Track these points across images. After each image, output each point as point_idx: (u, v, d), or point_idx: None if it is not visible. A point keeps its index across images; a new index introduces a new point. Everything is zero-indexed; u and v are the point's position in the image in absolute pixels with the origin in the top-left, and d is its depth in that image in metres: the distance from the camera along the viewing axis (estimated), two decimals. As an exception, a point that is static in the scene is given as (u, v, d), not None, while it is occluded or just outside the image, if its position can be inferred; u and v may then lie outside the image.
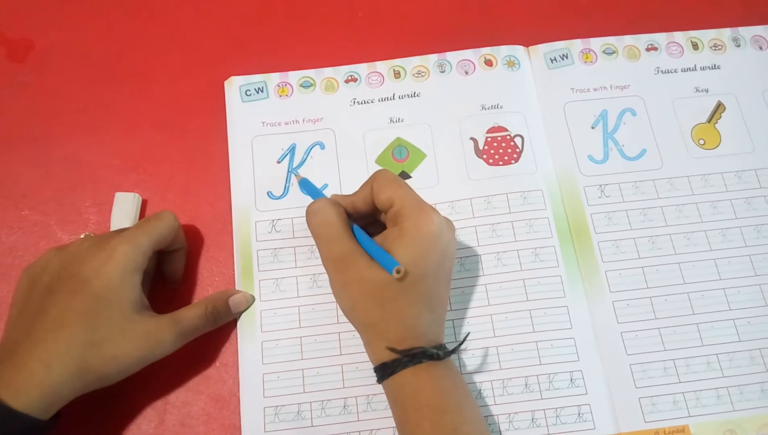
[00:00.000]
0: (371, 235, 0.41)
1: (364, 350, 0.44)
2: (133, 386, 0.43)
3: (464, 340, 0.42)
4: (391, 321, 0.39)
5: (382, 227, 0.43)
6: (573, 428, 0.43)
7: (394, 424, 0.42)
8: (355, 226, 0.41)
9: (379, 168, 0.49)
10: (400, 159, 0.50)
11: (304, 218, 0.47)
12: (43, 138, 0.51)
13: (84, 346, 0.37)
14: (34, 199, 0.49)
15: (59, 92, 0.53)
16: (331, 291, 0.46)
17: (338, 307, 0.45)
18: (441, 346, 0.39)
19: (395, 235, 0.39)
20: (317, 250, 0.42)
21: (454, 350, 0.40)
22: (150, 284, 0.45)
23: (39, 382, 0.35)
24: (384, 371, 0.38)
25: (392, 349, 0.38)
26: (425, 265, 0.38)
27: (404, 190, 0.40)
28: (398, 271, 0.37)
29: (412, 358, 0.38)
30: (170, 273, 0.45)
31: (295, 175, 0.49)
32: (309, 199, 0.48)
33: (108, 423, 0.43)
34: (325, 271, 0.42)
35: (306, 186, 0.46)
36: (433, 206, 0.40)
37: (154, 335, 0.39)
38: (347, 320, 0.45)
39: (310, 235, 0.47)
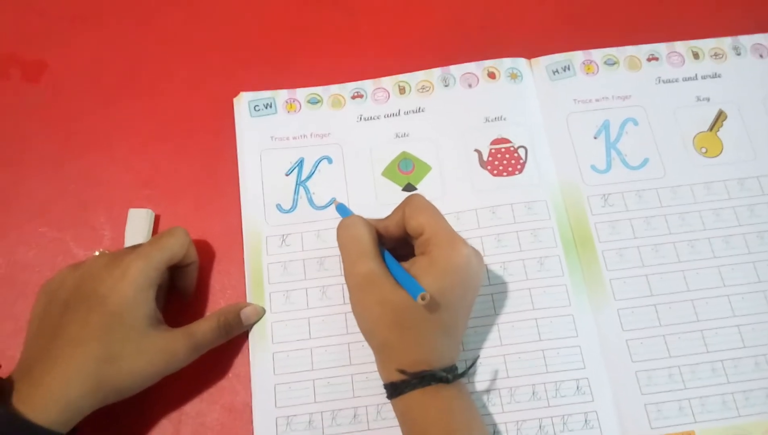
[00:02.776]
0: (399, 257, 0.41)
1: (373, 360, 0.45)
2: (149, 398, 0.43)
3: (473, 364, 0.43)
4: (407, 345, 0.39)
5: (410, 249, 0.43)
6: (580, 435, 0.43)
7: None
8: (385, 251, 0.42)
9: (386, 180, 0.51)
10: (406, 171, 0.51)
11: (312, 232, 0.49)
12: (58, 156, 0.52)
13: (101, 362, 0.38)
14: (50, 216, 0.50)
15: (72, 111, 0.54)
16: (340, 302, 0.47)
17: (349, 318, 0.46)
18: (452, 368, 0.40)
19: (424, 264, 0.39)
20: (341, 264, 0.43)
21: (463, 374, 0.40)
22: (164, 299, 0.46)
23: (57, 398, 0.36)
24: (393, 390, 0.39)
25: (403, 371, 0.38)
26: (451, 296, 0.39)
27: (436, 218, 0.40)
28: (423, 298, 0.37)
29: (421, 381, 0.38)
30: (183, 287, 0.47)
31: (335, 200, 0.49)
32: (316, 213, 0.50)
33: (123, 433, 0.44)
34: (337, 283, 0.42)
35: (342, 210, 0.46)
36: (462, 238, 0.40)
37: (168, 349, 0.40)
38: (357, 331, 0.46)
39: (318, 247, 0.49)
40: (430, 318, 0.39)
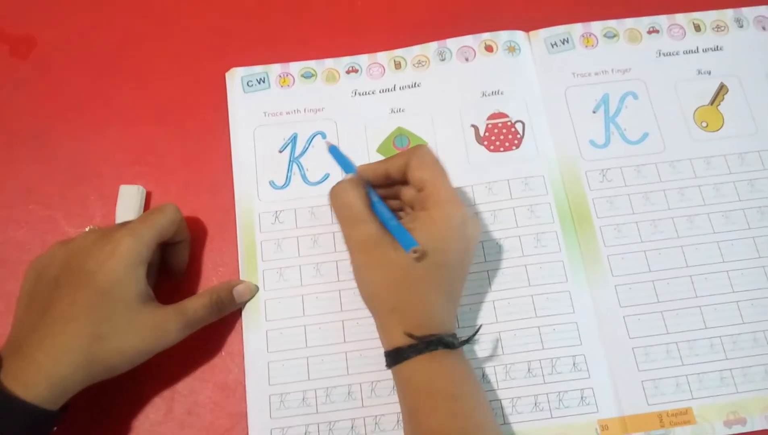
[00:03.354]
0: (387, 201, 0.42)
1: (367, 338, 0.45)
2: (141, 376, 0.43)
3: (478, 330, 0.43)
4: (412, 307, 0.39)
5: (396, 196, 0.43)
6: (576, 412, 0.43)
7: (399, 410, 0.43)
8: (378, 200, 0.41)
9: (381, 157, 0.50)
10: (401, 147, 0.50)
11: (306, 209, 0.48)
12: (47, 133, 0.52)
13: (90, 339, 0.37)
14: (40, 194, 0.50)
15: (62, 88, 0.53)
16: (334, 280, 0.46)
17: (343, 295, 0.46)
18: (454, 335, 0.40)
19: (424, 220, 0.39)
20: (335, 241, 0.44)
21: (468, 340, 0.40)
22: (155, 276, 0.45)
23: (47, 375, 0.36)
24: (397, 356, 0.39)
25: (410, 335, 0.38)
26: (450, 255, 0.39)
27: (442, 176, 0.40)
28: (415, 251, 0.37)
29: (428, 345, 0.38)
30: (174, 264, 0.46)
31: (325, 141, 0.48)
32: (310, 189, 0.49)
33: (116, 412, 0.44)
34: (331, 260, 0.42)
35: (335, 153, 0.45)
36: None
37: (159, 326, 0.40)
38: (351, 308, 0.46)
39: (312, 224, 0.48)
40: (432, 276, 0.39)
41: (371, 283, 0.40)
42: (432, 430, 0.37)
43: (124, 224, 0.42)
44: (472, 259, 0.42)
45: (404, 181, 0.42)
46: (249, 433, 0.43)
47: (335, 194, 0.41)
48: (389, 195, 0.43)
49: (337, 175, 0.49)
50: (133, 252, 0.39)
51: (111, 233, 0.40)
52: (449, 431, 0.36)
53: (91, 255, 0.39)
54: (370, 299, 0.41)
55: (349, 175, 0.43)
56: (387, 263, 0.39)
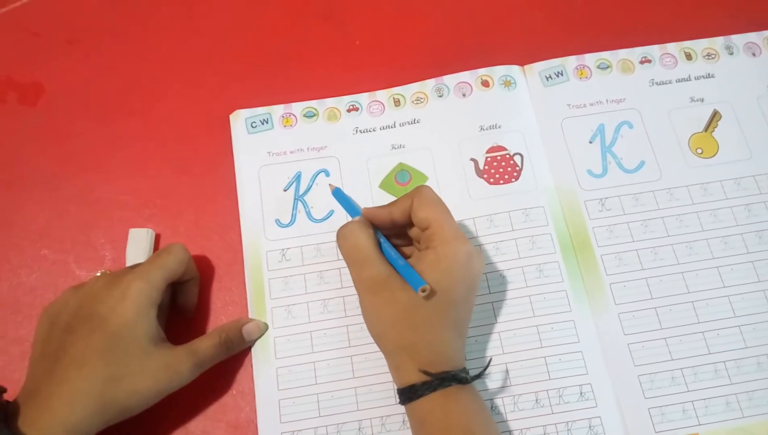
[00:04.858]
0: (395, 245, 0.43)
1: (376, 372, 0.45)
2: (153, 417, 0.44)
3: (489, 364, 0.44)
4: (423, 344, 0.40)
5: (406, 238, 0.44)
6: (584, 441, 0.43)
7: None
8: (384, 240, 0.42)
9: (383, 193, 0.51)
10: (403, 183, 0.51)
11: (312, 246, 0.49)
12: (56, 178, 0.53)
13: (104, 383, 0.38)
14: (51, 239, 0.51)
15: (69, 132, 0.54)
16: (341, 315, 0.47)
17: (351, 330, 0.47)
18: (465, 370, 0.40)
19: (431, 259, 0.40)
20: (341, 277, 0.45)
21: (480, 375, 0.41)
22: (166, 316, 0.46)
23: (62, 421, 0.36)
24: (411, 394, 0.39)
25: (425, 372, 0.38)
26: (457, 291, 0.40)
27: (445, 215, 0.41)
28: (423, 290, 0.38)
29: (442, 382, 0.38)
30: (184, 303, 0.47)
31: (329, 184, 0.49)
32: (315, 226, 0.50)
33: (131, 455, 0.44)
34: (338, 296, 0.42)
35: (339, 196, 0.47)
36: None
37: (172, 367, 0.40)
38: (359, 344, 0.46)
39: (318, 261, 0.49)
40: (441, 314, 0.39)
41: (381, 322, 0.41)
42: None
43: (134, 267, 0.43)
44: (476, 292, 0.43)
45: (409, 224, 0.43)
46: (262, 471, 0.44)
47: (343, 236, 0.42)
48: (393, 233, 0.45)
49: (342, 212, 0.50)
50: (144, 295, 0.40)
51: (121, 277, 0.41)
52: None
53: (102, 300, 0.40)
54: (380, 338, 0.42)
55: (356, 217, 0.44)
56: (396, 303, 0.39)
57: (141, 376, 0.39)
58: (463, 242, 0.40)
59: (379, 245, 0.42)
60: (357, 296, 0.43)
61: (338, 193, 0.46)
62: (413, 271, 0.40)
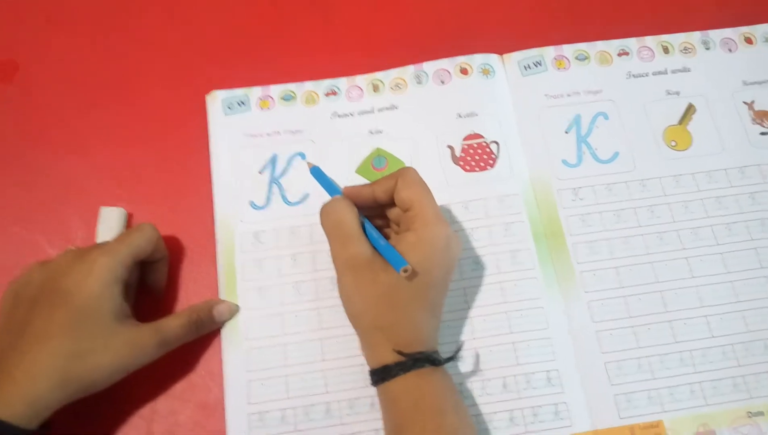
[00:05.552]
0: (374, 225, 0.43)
1: (346, 355, 0.46)
2: (120, 396, 0.44)
3: (460, 347, 0.44)
4: (399, 325, 0.40)
5: (384, 220, 0.45)
6: (550, 426, 0.44)
7: (378, 427, 0.43)
8: (366, 220, 0.42)
9: (360, 178, 0.51)
10: (380, 168, 0.51)
11: (286, 229, 0.49)
12: (30, 156, 0.52)
13: (68, 358, 0.38)
14: (22, 217, 0.50)
15: (44, 111, 0.54)
16: (313, 298, 0.47)
17: (322, 313, 0.47)
18: (438, 353, 0.41)
19: (412, 240, 0.40)
20: (314, 260, 0.45)
21: (453, 357, 0.41)
22: (134, 295, 0.46)
23: (24, 393, 0.36)
24: (385, 374, 0.39)
25: (399, 352, 0.39)
26: (436, 274, 0.40)
27: (428, 197, 0.41)
28: (405, 271, 0.38)
29: (416, 362, 0.39)
30: (153, 283, 0.47)
31: (307, 162, 0.48)
32: (290, 209, 0.50)
33: (97, 432, 0.44)
34: (311, 279, 0.43)
35: (317, 174, 0.46)
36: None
37: (136, 344, 0.40)
38: (330, 326, 0.46)
39: (292, 244, 0.49)
40: (420, 295, 0.40)
41: (359, 301, 0.40)
42: None
43: (101, 244, 0.42)
44: (452, 276, 0.43)
45: (390, 204, 0.43)
46: (228, 451, 0.44)
47: (327, 212, 0.42)
48: (372, 214, 0.45)
49: (317, 195, 0.50)
50: (109, 270, 0.40)
51: (88, 253, 0.41)
52: None
53: (68, 274, 0.39)
54: (356, 318, 0.41)
55: (338, 196, 0.44)
56: (376, 283, 0.39)
57: (105, 352, 0.39)
58: (443, 226, 0.41)
59: (362, 225, 0.42)
60: (330, 280, 0.43)
61: (317, 172, 0.45)
62: (395, 251, 0.40)
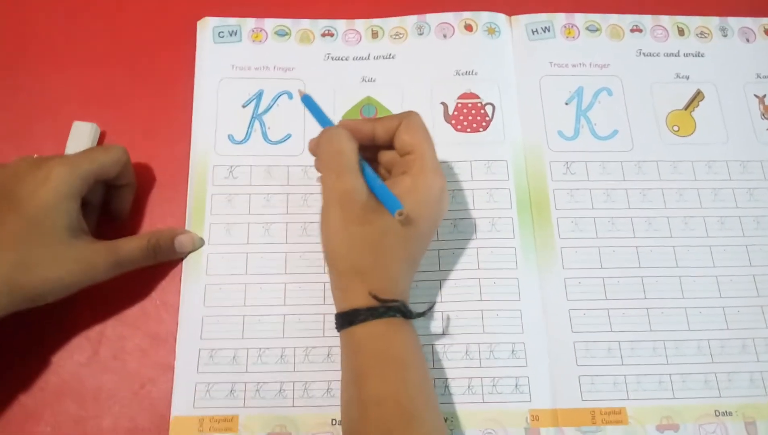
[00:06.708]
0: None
1: (308, 303, 0.44)
2: (70, 314, 0.42)
3: (432, 306, 0.42)
4: (379, 270, 0.38)
5: (375, 163, 0.42)
6: (508, 399, 0.42)
7: (330, 379, 0.42)
8: (362, 159, 0.39)
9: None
10: (368, 117, 0.49)
11: (262, 167, 0.47)
12: (8, 64, 0.50)
13: (13, 267, 0.36)
14: (-5, 129, 0.48)
15: (27, 24, 0.52)
16: (282, 241, 0.45)
17: (289, 258, 0.45)
18: (409, 306, 0.39)
19: (407, 185, 0.38)
20: (293, 195, 0.43)
21: (424, 313, 0.39)
22: (96, 218, 0.44)
23: None
24: (353, 317, 0.37)
25: (375, 297, 0.37)
26: (425, 225, 0.39)
27: (429, 144, 0.39)
28: (400, 214, 0.36)
29: (388, 310, 0.37)
30: (116, 208, 0.45)
31: (298, 90, 0.44)
32: (269, 147, 0.48)
33: (41, 348, 0.42)
34: (282, 221, 0.42)
35: (309, 103, 0.42)
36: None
37: (88, 260, 0.38)
38: (295, 272, 0.44)
39: (266, 184, 0.47)
40: (405, 244, 0.38)
41: (343, 240, 0.38)
42: (379, 395, 0.35)
43: (64, 156, 0.40)
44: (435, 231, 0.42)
45: (386, 146, 0.41)
46: (174, 385, 0.42)
47: (329, 138, 0.39)
48: (364, 155, 0.41)
49: (300, 136, 0.48)
50: (66, 182, 0.38)
51: (47, 161, 0.39)
52: (398, 398, 0.35)
53: (23, 181, 0.38)
54: (334, 256, 0.39)
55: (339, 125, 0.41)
56: (365, 223, 0.37)
57: (53, 265, 0.37)
58: (441, 177, 0.39)
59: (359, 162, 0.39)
60: (302, 225, 0.41)
61: (308, 100, 0.42)
62: (391, 194, 0.37)
